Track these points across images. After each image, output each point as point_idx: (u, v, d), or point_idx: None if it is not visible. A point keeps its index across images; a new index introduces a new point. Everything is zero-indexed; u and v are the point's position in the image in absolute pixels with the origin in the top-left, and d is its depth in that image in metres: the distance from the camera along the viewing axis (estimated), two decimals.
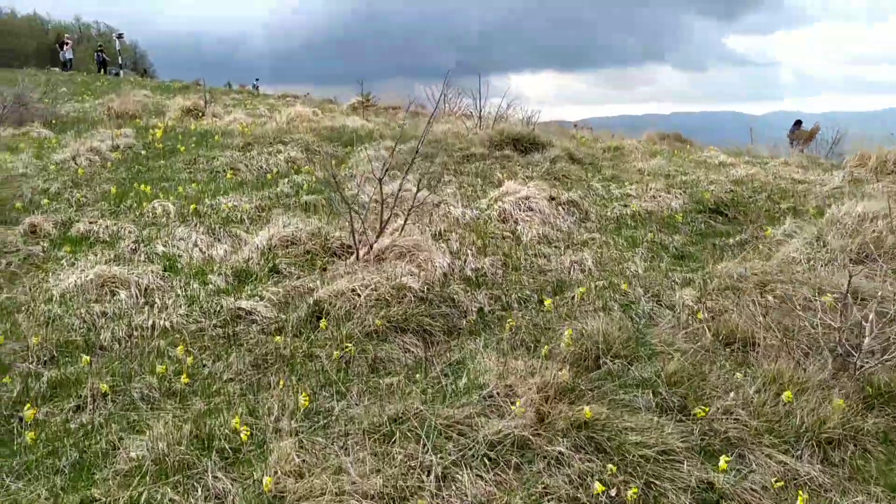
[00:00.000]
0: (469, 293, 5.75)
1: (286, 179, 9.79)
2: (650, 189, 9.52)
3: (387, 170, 6.76)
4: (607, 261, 6.77)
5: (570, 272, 6.37)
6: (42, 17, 44.68)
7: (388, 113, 33.02)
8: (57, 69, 33.01)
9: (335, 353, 4.75)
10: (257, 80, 40.64)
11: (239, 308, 5.55)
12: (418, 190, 6.91)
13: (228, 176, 9.75)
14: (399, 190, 6.86)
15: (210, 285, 6.14)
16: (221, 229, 7.57)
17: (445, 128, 17.33)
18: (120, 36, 36.41)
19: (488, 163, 11.27)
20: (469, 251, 6.76)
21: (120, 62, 35.27)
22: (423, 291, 5.50)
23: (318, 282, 6.07)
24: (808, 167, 12.04)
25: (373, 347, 4.90)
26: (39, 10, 44.23)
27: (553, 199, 8.54)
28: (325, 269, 6.52)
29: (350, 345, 4.81)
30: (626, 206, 9.01)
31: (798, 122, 34.93)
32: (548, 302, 5.16)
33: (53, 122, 15.36)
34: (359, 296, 5.42)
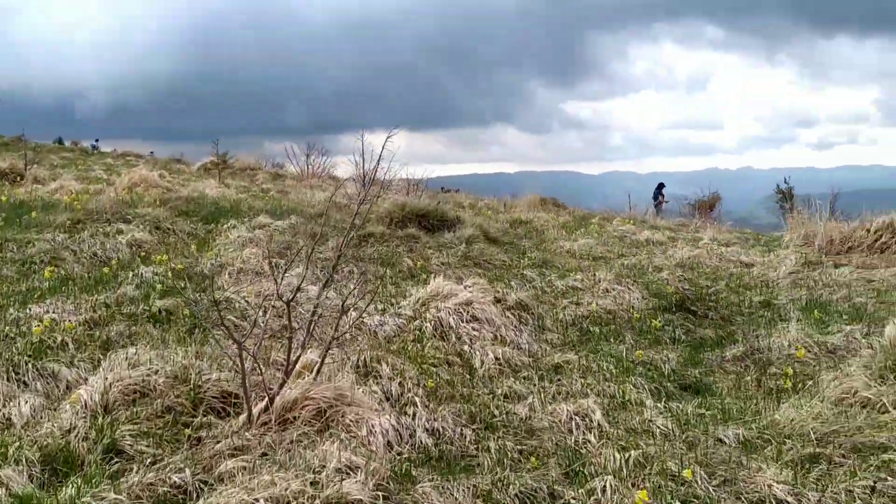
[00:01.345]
0: (442, 488, 3.60)
1: (131, 274, 7.24)
2: (599, 280, 7.83)
3: (298, 286, 4.53)
4: (608, 400, 4.85)
5: (571, 431, 4.37)
6: None
7: (246, 174, 30.35)
8: None
9: None
10: (97, 140, 36.55)
11: None
12: (345, 309, 4.71)
13: (47, 273, 7.06)
14: (316, 311, 4.62)
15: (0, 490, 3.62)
16: (30, 365, 5.00)
17: (323, 196, 15.19)
18: None
19: (392, 245, 9.22)
20: (415, 396, 4.63)
21: None
22: (375, 502, 3.31)
23: (188, 472, 3.71)
24: (742, 244, 10.93)
25: None
26: None
27: (499, 301, 6.60)
28: (198, 441, 4.16)
29: None
30: (577, 303, 7.23)
31: (661, 185, 35.55)
32: None
33: None
34: None
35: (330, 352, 4.86)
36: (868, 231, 9.40)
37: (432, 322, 6.05)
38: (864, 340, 5.79)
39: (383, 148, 4.55)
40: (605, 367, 5.49)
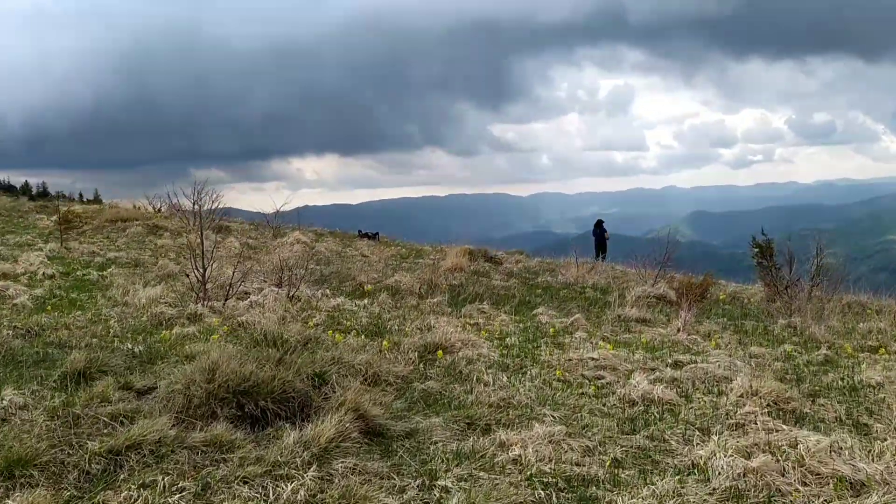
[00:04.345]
0: None
1: None
2: None
3: None
4: None
5: None
6: None
7: (116, 228, 24.94)
8: None
9: None
10: None
11: None
12: None
13: None
14: None
15: None
16: None
17: (148, 293, 10.33)
18: None
19: (172, 475, 4.52)
20: None
21: None
22: None
23: None
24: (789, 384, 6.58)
25: None
26: None
27: None
28: None
29: None
30: None
31: (600, 222, 31.65)
32: None
33: None
34: None
35: None
36: None
37: None
38: None
39: None
40: None
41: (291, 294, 10.94)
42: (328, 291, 11.98)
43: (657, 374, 7.37)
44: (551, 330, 9.39)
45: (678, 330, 10.57)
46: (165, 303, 9.69)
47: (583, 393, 6.76)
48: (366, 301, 11.27)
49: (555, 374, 7.31)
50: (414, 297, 12.11)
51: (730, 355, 8.66)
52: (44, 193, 59.81)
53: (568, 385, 7.05)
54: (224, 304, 9.68)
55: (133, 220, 26.81)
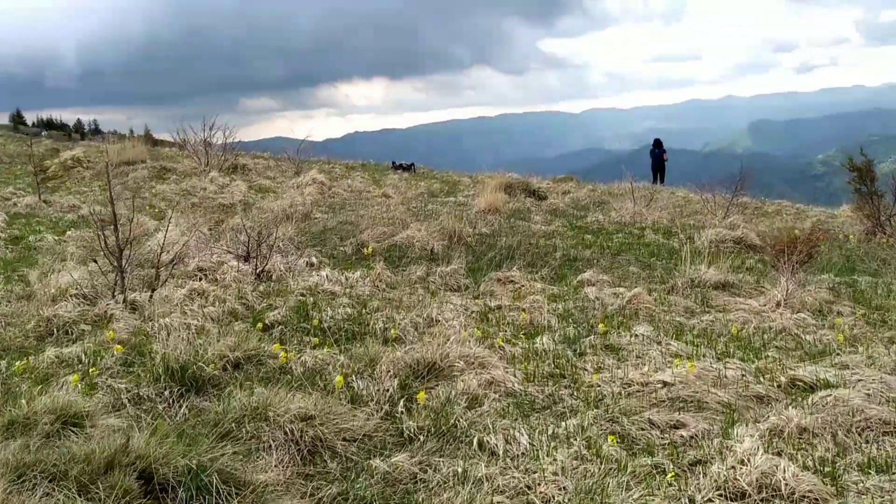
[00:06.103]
0: None
1: None
2: None
3: None
4: None
5: None
6: None
7: (119, 174, 22.73)
8: None
9: None
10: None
11: None
12: None
13: None
14: None
15: None
16: None
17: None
18: None
19: None
20: None
21: None
22: None
23: None
24: None
25: None
26: None
27: None
28: None
29: None
30: None
31: (658, 142, 28.18)
32: None
33: None
34: None
35: None
36: None
37: None
38: None
39: None
40: None
41: (259, 270, 8.36)
42: (314, 259, 9.38)
43: (773, 418, 4.57)
44: (601, 326, 6.61)
45: (777, 304, 7.71)
46: (77, 294, 7.20)
47: (653, 470, 4.04)
48: (358, 273, 8.63)
49: (605, 420, 4.59)
50: (424, 262, 9.42)
51: (871, 361, 5.79)
52: (96, 131, 58.61)
53: (628, 448, 4.33)
54: (151, 297, 7.12)
55: (140, 163, 24.50)
